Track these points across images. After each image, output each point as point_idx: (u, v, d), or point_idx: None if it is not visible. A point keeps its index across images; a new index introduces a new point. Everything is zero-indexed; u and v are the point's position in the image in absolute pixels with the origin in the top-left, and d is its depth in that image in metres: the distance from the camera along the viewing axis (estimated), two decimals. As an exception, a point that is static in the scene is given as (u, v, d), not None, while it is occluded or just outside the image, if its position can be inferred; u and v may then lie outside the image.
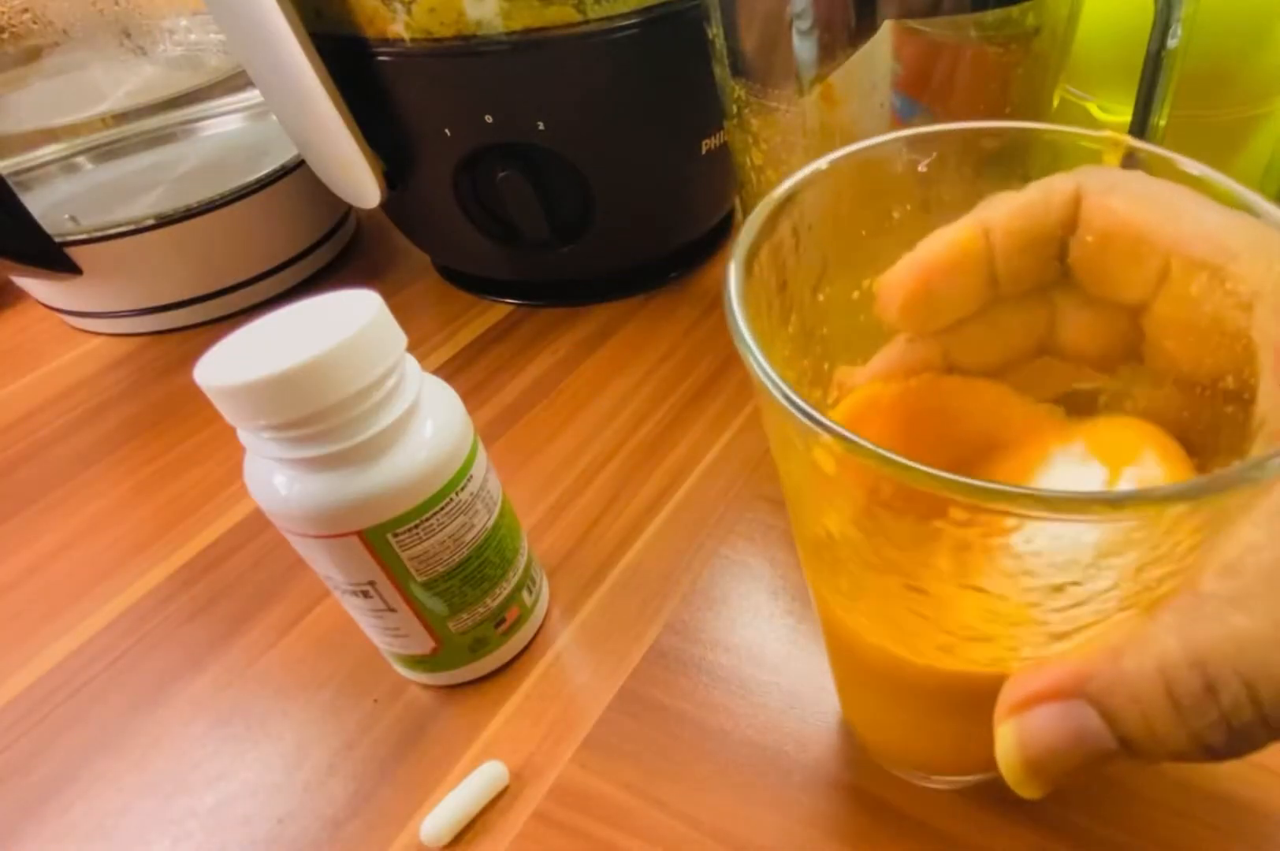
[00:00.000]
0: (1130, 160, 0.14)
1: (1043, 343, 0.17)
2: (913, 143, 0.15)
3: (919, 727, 0.19)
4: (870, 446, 0.10)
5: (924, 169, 0.16)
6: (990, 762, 0.13)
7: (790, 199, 0.15)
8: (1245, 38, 0.30)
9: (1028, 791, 0.13)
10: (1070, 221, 0.15)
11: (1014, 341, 0.17)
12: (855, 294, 0.17)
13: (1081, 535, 0.11)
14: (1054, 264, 0.15)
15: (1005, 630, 0.13)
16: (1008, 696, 0.13)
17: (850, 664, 0.19)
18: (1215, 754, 0.12)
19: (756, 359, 0.12)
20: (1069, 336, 0.16)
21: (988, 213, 0.15)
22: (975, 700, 0.14)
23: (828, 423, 0.11)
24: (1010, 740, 0.12)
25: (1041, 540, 0.11)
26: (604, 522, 0.30)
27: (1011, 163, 0.16)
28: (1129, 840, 0.20)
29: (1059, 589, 0.12)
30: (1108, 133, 0.14)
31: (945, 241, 0.15)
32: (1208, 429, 0.14)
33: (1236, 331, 0.13)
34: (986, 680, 0.13)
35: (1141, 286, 0.14)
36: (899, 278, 0.16)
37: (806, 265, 0.16)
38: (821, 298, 0.16)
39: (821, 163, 0.15)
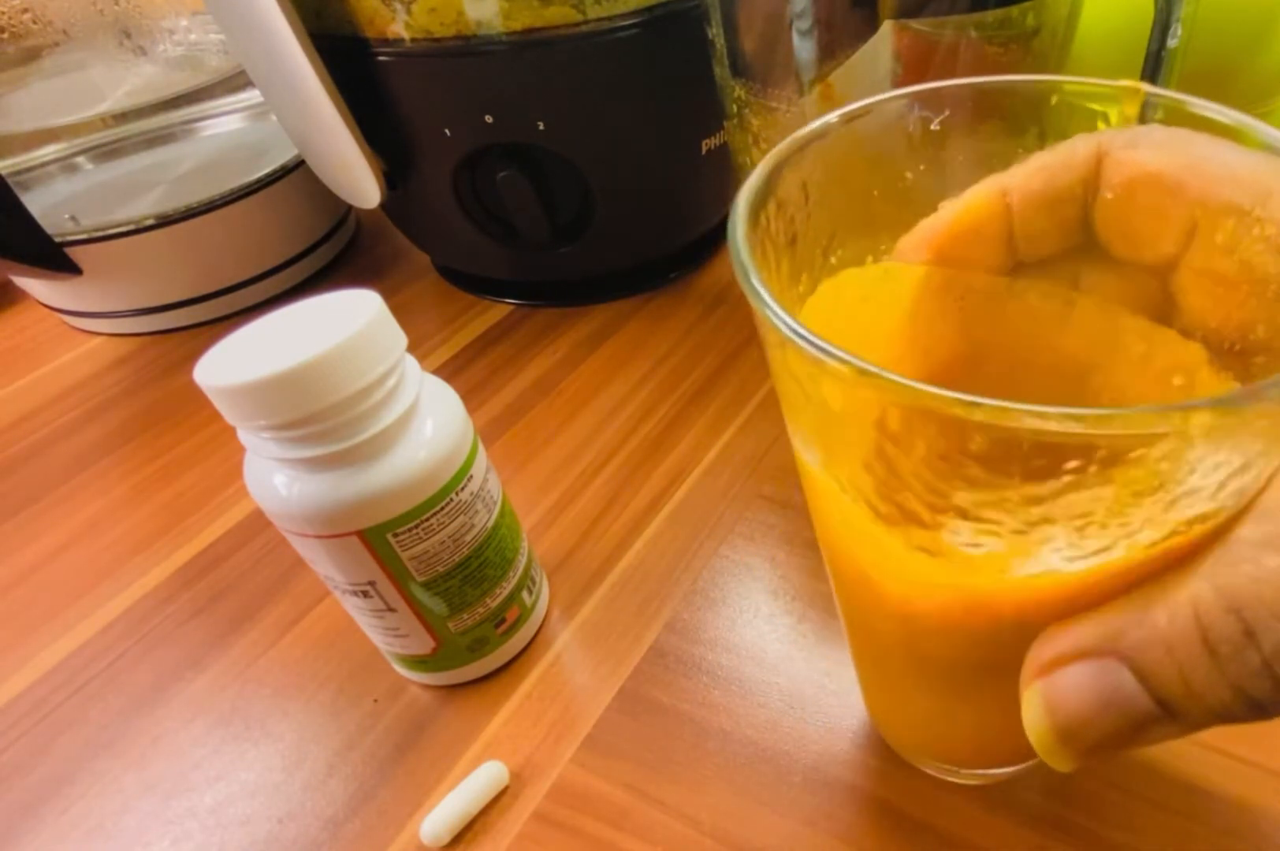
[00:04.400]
0: (1149, 109, 0.14)
1: None
2: (925, 99, 0.15)
3: (946, 710, 0.18)
4: (881, 371, 0.10)
5: (937, 127, 0.15)
6: (1024, 751, 0.12)
7: (800, 150, 0.14)
8: (1245, 38, 0.30)
9: (1060, 762, 0.12)
10: (1092, 179, 0.14)
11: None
12: (869, 259, 0.16)
13: (1111, 465, 0.10)
14: (1076, 226, 0.15)
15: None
16: (1033, 657, 0.12)
17: (872, 640, 0.18)
18: (1262, 709, 0.11)
19: (756, 288, 0.11)
20: (1091, 304, 0.16)
21: (1005, 175, 0.15)
22: (1002, 667, 0.13)
23: (833, 348, 0.10)
24: (1037, 704, 0.12)
25: (1070, 473, 0.10)
26: (604, 522, 0.30)
27: (1028, 120, 0.15)
28: (1129, 840, 0.20)
29: (1081, 530, 0.11)
30: (1127, 81, 0.14)
31: (962, 205, 0.15)
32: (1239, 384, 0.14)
33: (1266, 277, 0.13)
34: (1012, 639, 0.13)
35: (1169, 241, 0.14)
36: (914, 243, 0.15)
37: (817, 224, 0.15)
38: (833, 260, 0.16)
39: (832, 116, 0.14)
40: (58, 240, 0.40)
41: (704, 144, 0.38)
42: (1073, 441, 0.10)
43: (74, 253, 0.40)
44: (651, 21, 0.33)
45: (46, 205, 0.43)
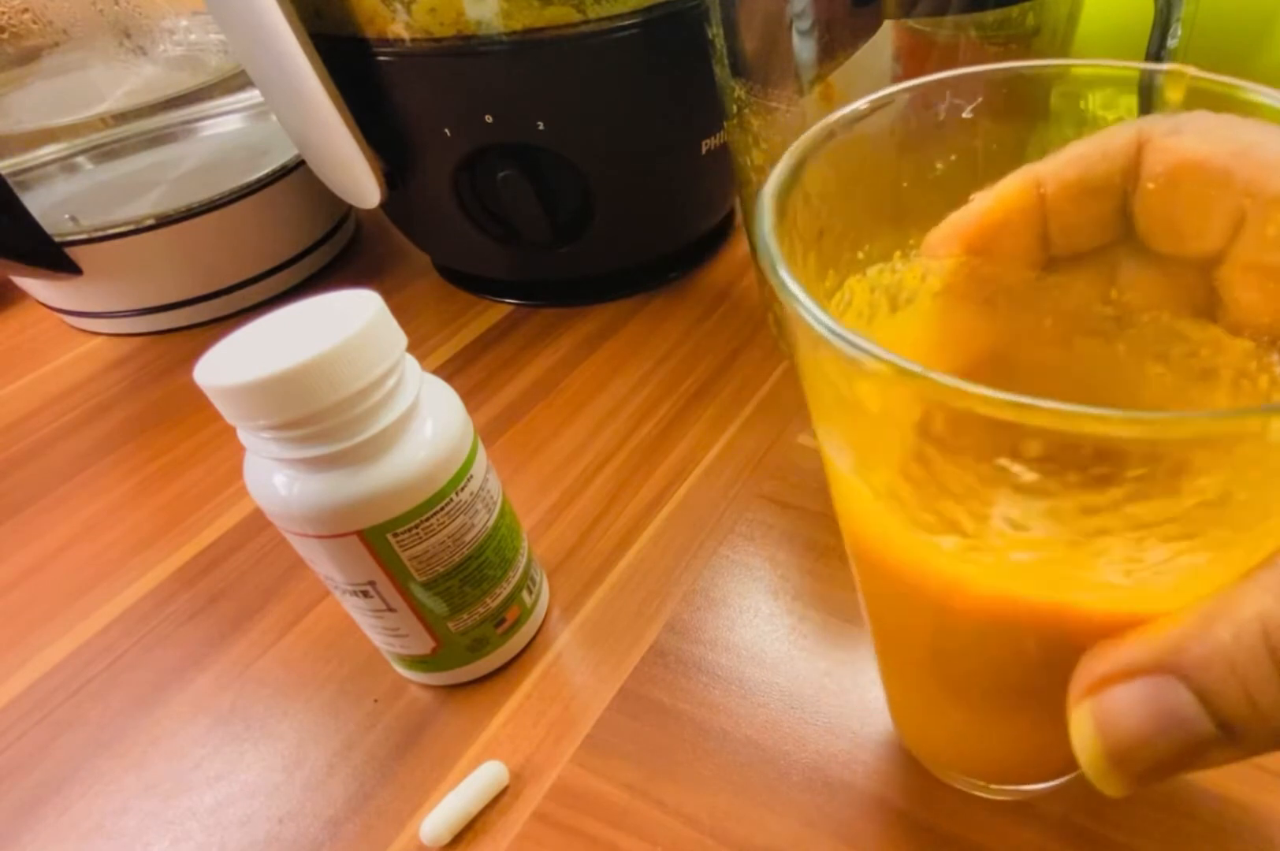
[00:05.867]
0: (1195, 97, 0.13)
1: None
2: (957, 85, 0.14)
3: (980, 726, 0.17)
4: (922, 370, 0.09)
5: (969, 115, 0.14)
6: (1059, 767, 0.12)
7: (828, 139, 0.13)
8: (1245, 37, 0.30)
9: (1111, 787, 0.11)
10: (1131, 168, 0.13)
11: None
12: (896, 254, 0.15)
13: (1176, 471, 0.09)
14: (1113, 218, 0.14)
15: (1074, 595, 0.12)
16: (1083, 674, 0.11)
17: (903, 653, 0.17)
18: None
19: (787, 282, 0.11)
20: (1132, 299, 0.15)
21: (1039, 164, 0.14)
22: (1044, 684, 0.12)
23: (872, 346, 0.10)
24: (1087, 725, 0.11)
25: (1132, 477, 0.09)
26: (604, 522, 0.30)
27: (1064, 107, 0.14)
28: (1129, 840, 0.20)
29: (1140, 541, 0.10)
30: (1172, 65, 0.13)
31: (993, 197, 0.14)
32: None
33: None
34: (1058, 656, 0.12)
35: (1215, 234, 0.13)
36: (943, 237, 0.14)
37: (844, 217, 0.14)
38: (861, 255, 0.15)
39: (861, 103, 0.14)
40: (58, 240, 0.40)
41: (704, 144, 0.38)
42: (1137, 448, 0.09)
43: (74, 253, 0.40)
44: (651, 21, 0.33)
45: (46, 205, 0.43)
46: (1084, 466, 0.09)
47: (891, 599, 0.16)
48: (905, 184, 0.15)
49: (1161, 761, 0.10)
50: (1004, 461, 0.10)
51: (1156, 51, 0.24)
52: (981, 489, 0.11)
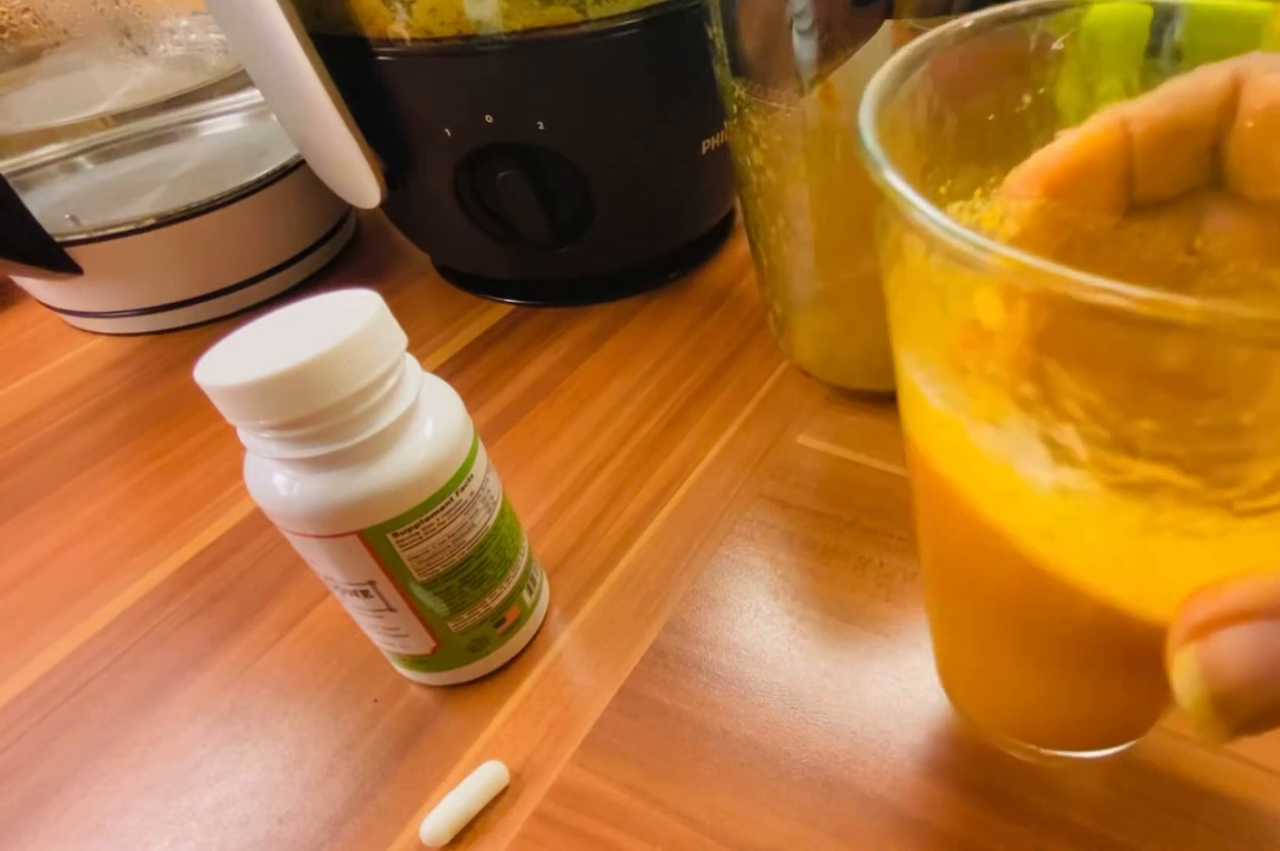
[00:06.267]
0: None
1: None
2: (1051, 12, 0.13)
3: (1049, 687, 0.16)
4: (1059, 267, 0.08)
5: (1059, 47, 0.14)
6: (1129, 730, 0.11)
7: (921, 58, 0.12)
8: (1246, 37, 0.30)
9: (1216, 734, 0.11)
10: (1228, 106, 0.13)
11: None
12: (977, 192, 0.15)
13: None
14: (1203, 162, 0.13)
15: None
16: (1186, 618, 0.11)
17: (971, 604, 0.16)
18: None
19: (892, 182, 0.10)
20: (1219, 248, 0.14)
21: (1129, 103, 0.13)
22: (1136, 638, 0.12)
23: (997, 245, 0.09)
24: (1192, 670, 0.10)
25: None
26: (604, 522, 0.30)
27: (1160, 41, 0.13)
28: (1129, 840, 0.20)
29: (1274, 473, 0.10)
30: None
31: (1079, 136, 0.13)
32: None
33: None
34: (1158, 603, 0.11)
35: None
36: (1024, 177, 0.14)
37: (929, 147, 0.14)
38: (943, 191, 0.14)
39: (963, 21, 0.13)
40: (58, 240, 0.40)
41: (704, 144, 0.38)
42: None
43: (74, 252, 0.40)
44: (652, 21, 0.33)
45: (47, 205, 0.43)
46: (1233, 382, 0.09)
47: (967, 547, 0.15)
48: (991, 117, 0.14)
49: (1272, 706, 0.10)
50: (1138, 378, 0.09)
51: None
52: (1107, 411, 0.10)
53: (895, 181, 0.10)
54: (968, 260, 0.09)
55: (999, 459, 0.12)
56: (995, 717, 0.20)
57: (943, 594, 0.18)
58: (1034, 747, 0.20)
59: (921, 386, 0.13)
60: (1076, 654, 0.15)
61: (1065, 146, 0.13)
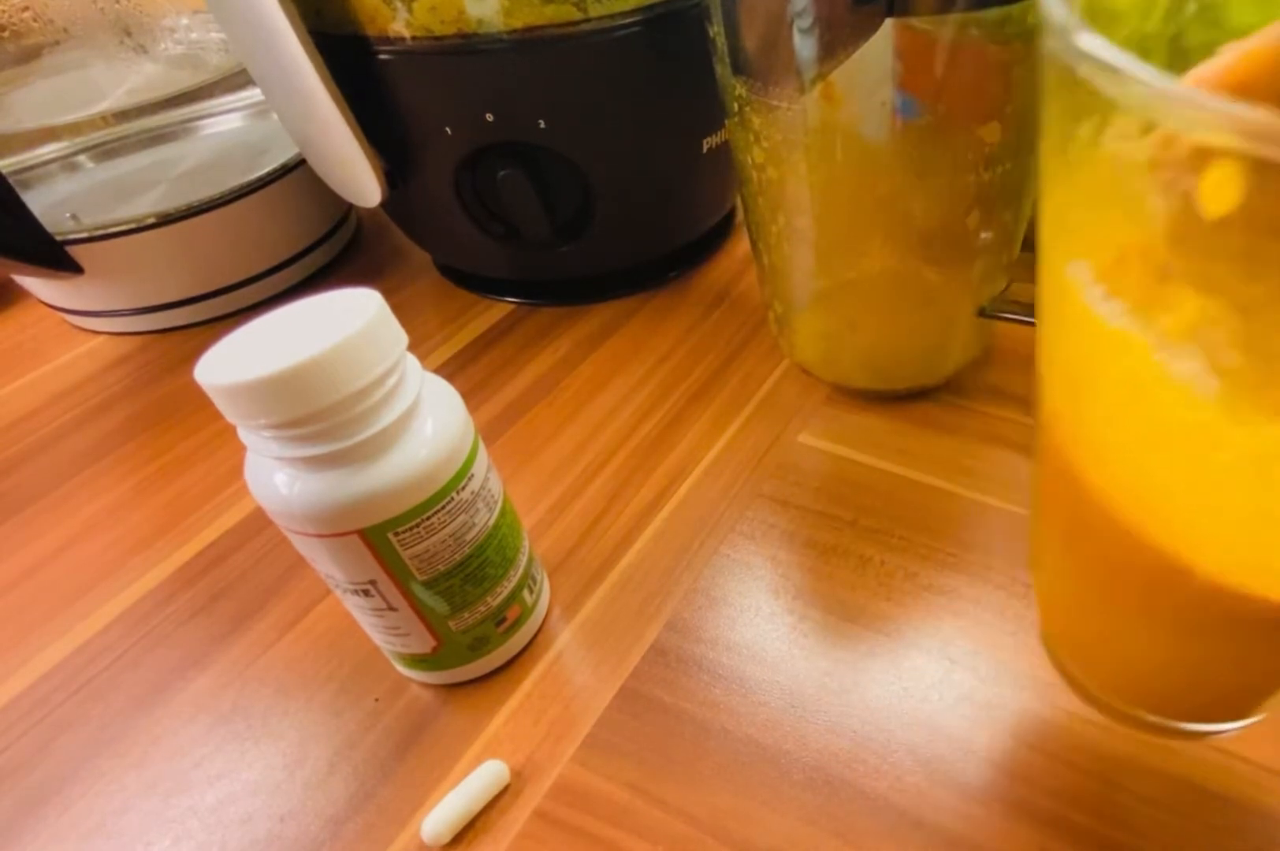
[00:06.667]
0: None
1: None
2: None
3: (1179, 648, 0.15)
4: None
5: None
6: (1256, 701, 0.10)
7: None
8: (1245, 35, 0.30)
9: None
10: None
11: None
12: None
13: None
14: None
15: None
16: None
17: (1105, 561, 0.15)
18: None
19: (1085, 47, 0.09)
20: None
21: None
22: None
23: (1225, 103, 0.07)
24: None
25: None
26: (605, 521, 0.30)
27: None
28: (1129, 840, 0.20)
29: None
30: None
31: (1240, 52, 0.12)
32: None
33: None
34: None
35: None
36: None
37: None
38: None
39: None
40: (59, 239, 0.40)
41: (705, 142, 0.38)
42: None
43: (75, 251, 0.40)
44: (653, 20, 0.33)
45: (47, 204, 0.43)
46: None
47: (1128, 506, 0.13)
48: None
49: None
50: None
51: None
52: None
53: (1107, 51, 0.09)
54: (1218, 125, 0.08)
55: (1180, 391, 0.10)
56: (1109, 683, 0.19)
57: (1066, 542, 0.16)
58: (1143, 713, 0.18)
59: (1097, 306, 0.12)
60: (1233, 624, 0.14)
61: (1225, 62, 0.12)
